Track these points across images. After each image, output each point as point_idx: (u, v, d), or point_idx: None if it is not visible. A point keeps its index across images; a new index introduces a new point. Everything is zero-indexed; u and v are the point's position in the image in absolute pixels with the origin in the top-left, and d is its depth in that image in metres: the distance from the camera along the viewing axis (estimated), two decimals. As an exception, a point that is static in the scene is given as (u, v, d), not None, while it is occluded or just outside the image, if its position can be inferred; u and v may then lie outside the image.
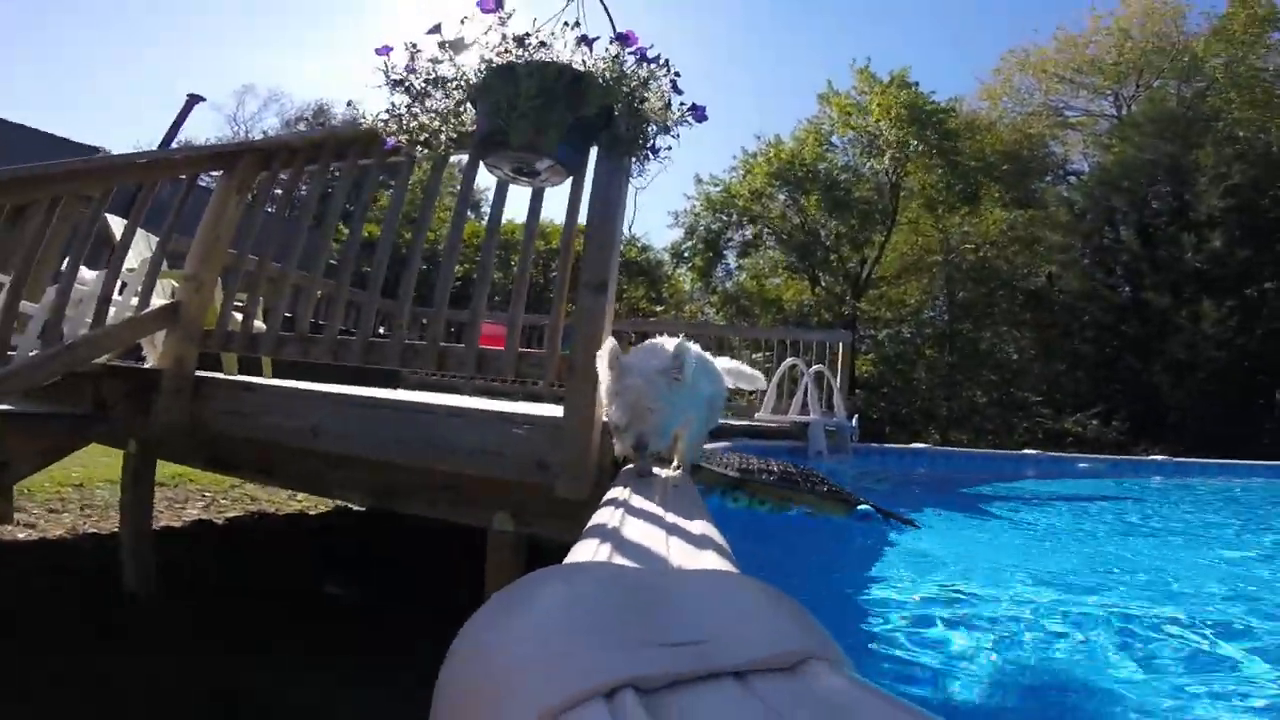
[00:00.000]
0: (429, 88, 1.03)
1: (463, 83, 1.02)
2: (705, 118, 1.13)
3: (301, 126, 18.94)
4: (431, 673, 0.39)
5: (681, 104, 1.14)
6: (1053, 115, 15.66)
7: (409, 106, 1.09)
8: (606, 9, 1.20)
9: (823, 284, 15.43)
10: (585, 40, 1.00)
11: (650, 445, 1.24)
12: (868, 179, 14.51)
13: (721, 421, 3.80)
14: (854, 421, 5.39)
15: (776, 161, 14.17)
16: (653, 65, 1.07)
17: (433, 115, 1.13)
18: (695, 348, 1.37)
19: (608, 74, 1.01)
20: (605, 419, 1.30)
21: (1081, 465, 6.28)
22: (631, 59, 1.05)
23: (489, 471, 1.51)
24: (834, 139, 14.66)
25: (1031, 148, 15.30)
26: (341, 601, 2.69)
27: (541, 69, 0.96)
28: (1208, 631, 1.16)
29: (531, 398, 4.73)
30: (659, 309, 14.15)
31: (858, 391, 15.75)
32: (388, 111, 1.15)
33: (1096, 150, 15.02)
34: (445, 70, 1.02)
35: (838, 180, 14.26)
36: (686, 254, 15.07)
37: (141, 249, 2.96)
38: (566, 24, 1.03)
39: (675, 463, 1.50)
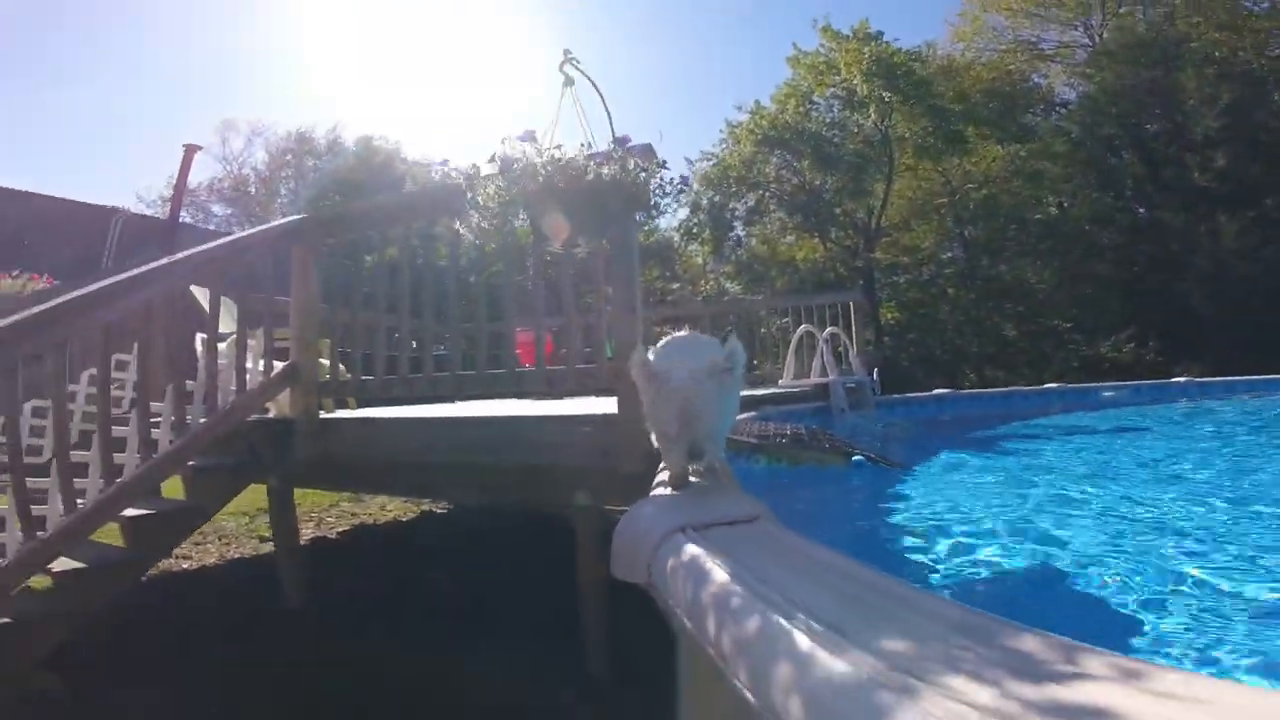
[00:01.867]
0: (493, 205, 1.51)
1: (517, 198, 1.49)
2: (687, 185, 1.58)
3: (289, 157, 19.49)
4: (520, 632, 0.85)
5: (671, 180, 1.61)
6: (1029, 49, 15.77)
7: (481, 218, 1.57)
8: (609, 114, 1.67)
9: (833, 238, 15.65)
10: (597, 159, 1.46)
11: (706, 454, 1.15)
12: (855, 133, 14.65)
13: (746, 392, 4.28)
14: (874, 376, 5.82)
15: (760, 129, 14.43)
16: (647, 159, 1.53)
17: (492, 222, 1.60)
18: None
19: (618, 177, 1.47)
20: (649, 429, 1.23)
21: (1106, 394, 6.56)
22: (632, 161, 1.51)
23: (566, 461, 2.03)
24: (814, 98, 14.85)
25: (1013, 83, 15.40)
26: (450, 589, 3.27)
27: (576, 185, 1.43)
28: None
29: (570, 394, 5.28)
30: (675, 286, 14.58)
31: (885, 340, 16.04)
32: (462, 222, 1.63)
33: (1079, 80, 15.14)
34: (507, 193, 1.49)
35: (826, 137, 14.45)
36: (695, 230, 15.45)
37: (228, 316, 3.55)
38: (582, 145, 1.50)
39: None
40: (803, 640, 0.47)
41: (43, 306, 1.91)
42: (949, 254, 16.38)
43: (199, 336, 2.54)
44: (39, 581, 2.14)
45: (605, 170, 1.43)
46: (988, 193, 14.98)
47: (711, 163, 15.43)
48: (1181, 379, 6.71)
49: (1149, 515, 1.95)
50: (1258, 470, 2.62)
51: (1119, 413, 5.23)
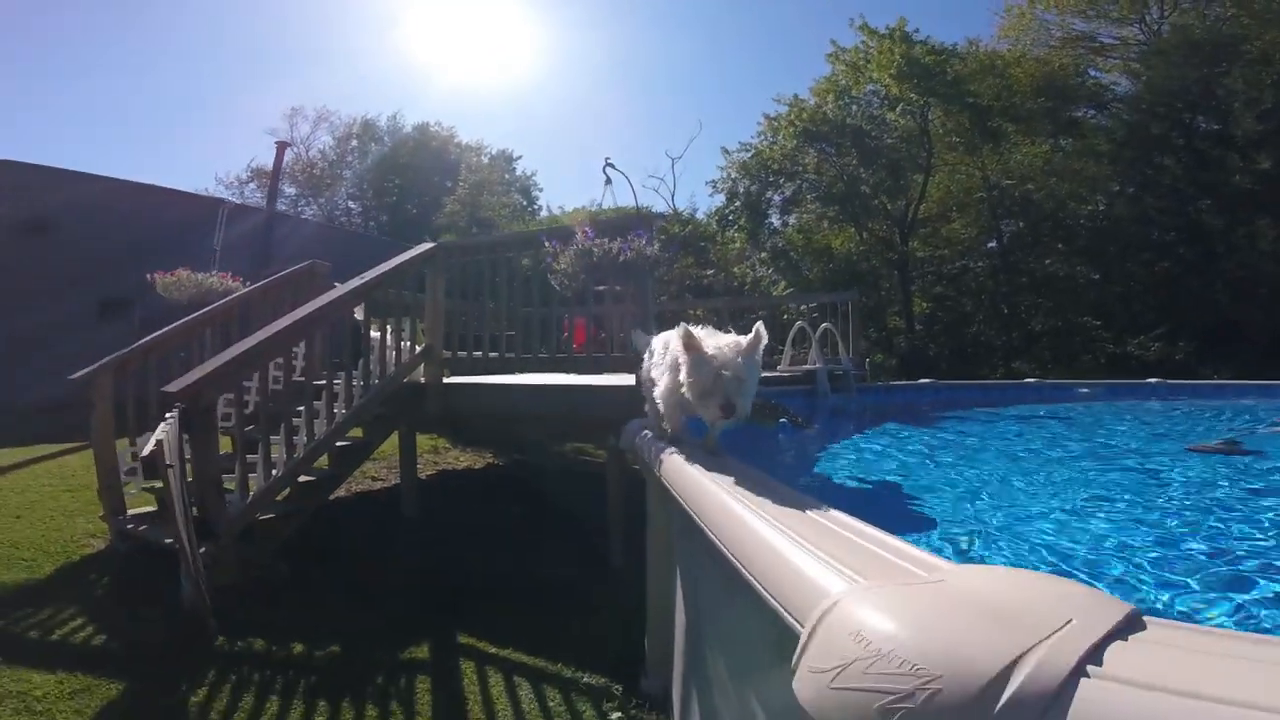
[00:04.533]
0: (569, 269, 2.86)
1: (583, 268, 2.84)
2: (675, 261, 2.85)
3: (354, 143, 21.25)
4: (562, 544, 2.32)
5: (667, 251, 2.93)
6: (1085, 42, 16.00)
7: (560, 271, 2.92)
8: (635, 197, 3.01)
9: (869, 229, 16.51)
10: (625, 249, 2.79)
11: (739, 410, 1.53)
12: (894, 128, 15.35)
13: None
14: (864, 366, 7.03)
15: (800, 122, 15.27)
16: (655, 248, 2.86)
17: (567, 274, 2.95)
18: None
19: (636, 258, 2.80)
20: (683, 389, 1.61)
21: (1081, 390, 7.57)
22: (650, 248, 2.84)
23: (604, 415, 3.40)
24: (853, 94, 15.58)
25: (1065, 78, 15.70)
26: (516, 514, 4.74)
27: (614, 262, 2.77)
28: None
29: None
30: (709, 273, 15.72)
31: (917, 328, 16.92)
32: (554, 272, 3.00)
33: (1130, 78, 15.40)
34: (576, 265, 2.84)
35: (866, 130, 15.20)
36: (731, 217, 16.57)
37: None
38: (618, 238, 2.83)
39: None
40: (668, 453, 1.81)
41: (303, 312, 3.37)
42: (992, 245, 17.04)
43: (372, 330, 4.01)
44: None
45: (630, 254, 2.76)
46: (1026, 189, 15.58)
47: (749, 153, 16.45)
48: (1152, 380, 7.65)
49: (963, 470, 3.22)
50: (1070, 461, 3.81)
51: (1069, 407, 6.31)
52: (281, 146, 12.04)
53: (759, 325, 1.59)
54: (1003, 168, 15.81)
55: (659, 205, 17.18)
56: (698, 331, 1.63)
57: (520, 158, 22.76)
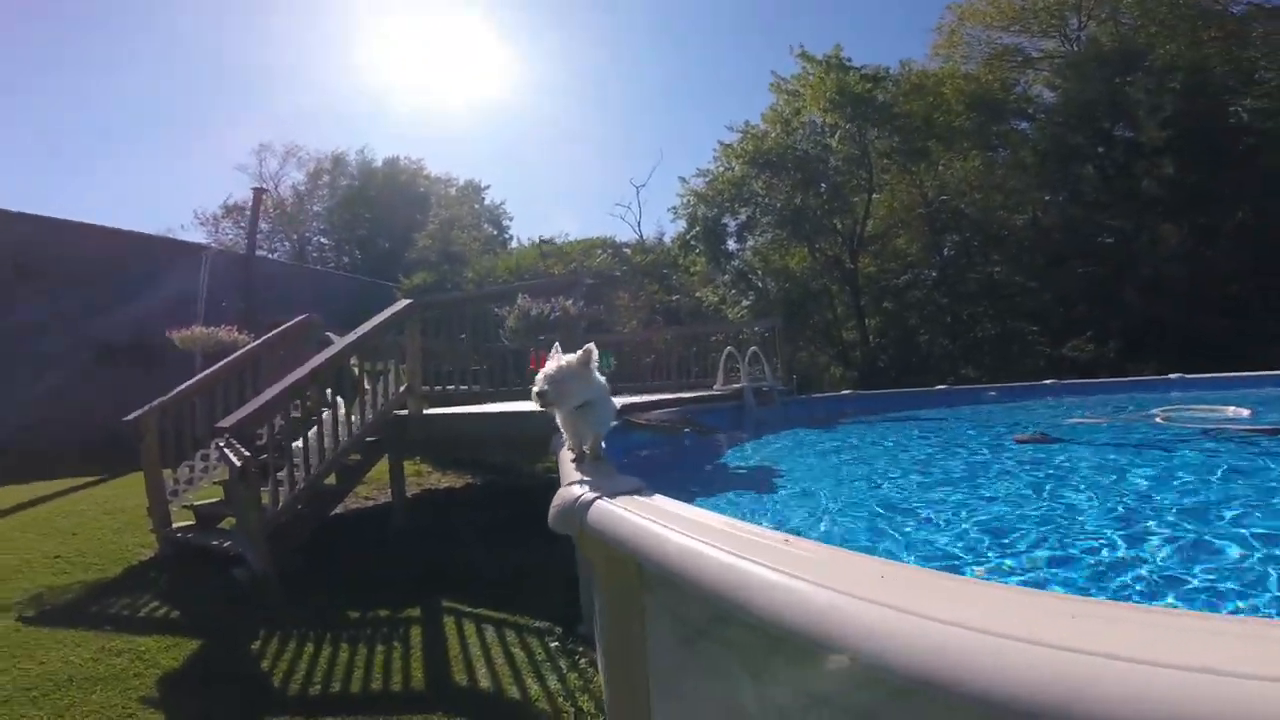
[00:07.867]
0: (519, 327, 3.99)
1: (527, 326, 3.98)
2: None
3: (324, 179, 22.28)
4: (527, 542, 3.51)
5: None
6: (1013, 56, 17.50)
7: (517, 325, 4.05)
8: (582, 285, 4.18)
9: (819, 248, 17.87)
10: (555, 310, 3.93)
11: (551, 397, 2.18)
12: (837, 150, 16.70)
13: (681, 395, 6.71)
14: (791, 381, 8.23)
15: (747, 152, 16.61)
16: (581, 305, 4.01)
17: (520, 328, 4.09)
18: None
19: (564, 317, 3.93)
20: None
21: (990, 394, 8.80)
22: (576, 306, 3.98)
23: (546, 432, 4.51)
24: (797, 120, 16.99)
25: (998, 92, 17.14)
26: (488, 522, 5.84)
27: (549, 319, 3.90)
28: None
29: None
30: (674, 298, 16.93)
31: (871, 341, 18.27)
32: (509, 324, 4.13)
33: (1052, 90, 16.89)
34: (522, 324, 3.97)
35: (814, 155, 16.56)
36: (692, 243, 17.84)
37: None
38: (551, 299, 3.96)
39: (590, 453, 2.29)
40: (563, 451, 2.93)
41: (314, 363, 4.46)
42: (937, 258, 18.51)
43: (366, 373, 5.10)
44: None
45: (559, 313, 3.90)
46: (960, 204, 17.07)
47: (706, 179, 17.81)
48: (1049, 381, 8.91)
49: (831, 459, 4.39)
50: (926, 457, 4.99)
51: (949, 411, 7.55)
52: (258, 193, 13.07)
53: (589, 345, 2.18)
54: (939, 184, 17.30)
55: (625, 232, 18.33)
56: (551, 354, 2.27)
57: (489, 187, 24.01)
